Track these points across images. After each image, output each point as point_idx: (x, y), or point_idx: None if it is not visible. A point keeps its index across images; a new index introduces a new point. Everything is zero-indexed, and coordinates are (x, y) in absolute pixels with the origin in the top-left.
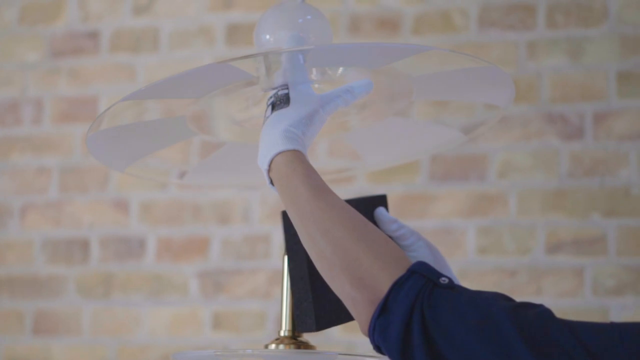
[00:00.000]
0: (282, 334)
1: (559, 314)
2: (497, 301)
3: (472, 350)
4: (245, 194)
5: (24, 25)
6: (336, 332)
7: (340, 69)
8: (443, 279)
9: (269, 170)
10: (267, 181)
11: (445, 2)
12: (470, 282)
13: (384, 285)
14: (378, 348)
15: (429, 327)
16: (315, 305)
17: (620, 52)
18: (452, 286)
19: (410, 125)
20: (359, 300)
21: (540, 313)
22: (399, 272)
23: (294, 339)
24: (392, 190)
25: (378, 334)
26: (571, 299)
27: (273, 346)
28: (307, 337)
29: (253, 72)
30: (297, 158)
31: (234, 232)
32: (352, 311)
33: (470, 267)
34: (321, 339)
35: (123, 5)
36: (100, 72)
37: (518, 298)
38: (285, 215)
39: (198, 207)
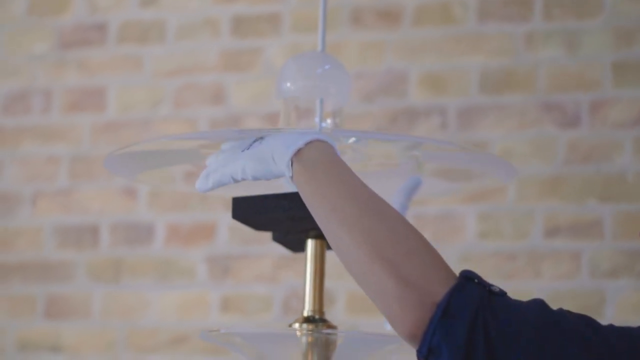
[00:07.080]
0: (305, 314)
1: (557, 296)
2: (547, 306)
3: (533, 355)
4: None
5: (32, 17)
6: (341, 314)
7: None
8: (494, 287)
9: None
10: (288, 174)
11: None
12: (470, 266)
13: (437, 288)
14: (428, 350)
15: (491, 333)
16: None
17: (614, 43)
18: (504, 293)
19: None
20: (406, 299)
21: (581, 316)
22: (449, 276)
23: (317, 319)
24: None
25: (440, 336)
26: (568, 281)
27: (297, 325)
28: (327, 316)
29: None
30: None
31: None
32: (391, 308)
33: (471, 252)
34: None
35: None
36: (107, 64)
37: (517, 281)
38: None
39: (205, 194)
